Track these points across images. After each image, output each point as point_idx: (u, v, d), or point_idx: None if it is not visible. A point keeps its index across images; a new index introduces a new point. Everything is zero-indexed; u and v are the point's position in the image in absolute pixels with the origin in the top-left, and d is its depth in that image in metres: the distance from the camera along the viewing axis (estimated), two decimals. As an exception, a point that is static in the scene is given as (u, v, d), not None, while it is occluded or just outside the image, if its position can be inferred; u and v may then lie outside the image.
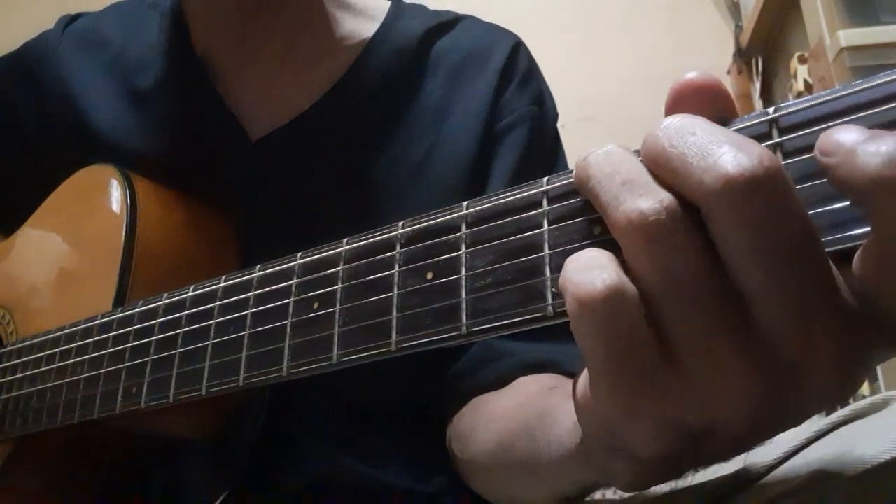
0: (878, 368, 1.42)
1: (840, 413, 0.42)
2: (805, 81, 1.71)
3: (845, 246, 0.25)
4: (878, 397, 0.42)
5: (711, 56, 2.18)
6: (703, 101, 0.31)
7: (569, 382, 0.34)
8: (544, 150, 0.78)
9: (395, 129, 0.75)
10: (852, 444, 0.36)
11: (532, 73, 0.80)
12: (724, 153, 0.26)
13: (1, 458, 0.63)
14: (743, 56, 2.13)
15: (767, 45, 2.07)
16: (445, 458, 0.69)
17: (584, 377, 0.32)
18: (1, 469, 0.62)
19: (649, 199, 0.28)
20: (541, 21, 2.11)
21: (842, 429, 0.41)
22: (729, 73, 2.17)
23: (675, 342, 0.28)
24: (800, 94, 1.72)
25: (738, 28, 2.16)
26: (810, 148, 0.26)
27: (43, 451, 0.64)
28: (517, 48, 0.80)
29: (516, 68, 0.78)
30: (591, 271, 0.28)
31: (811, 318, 0.26)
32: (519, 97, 0.77)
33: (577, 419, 0.33)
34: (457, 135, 0.74)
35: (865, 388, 1.45)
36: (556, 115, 0.81)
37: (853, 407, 0.42)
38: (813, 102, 0.27)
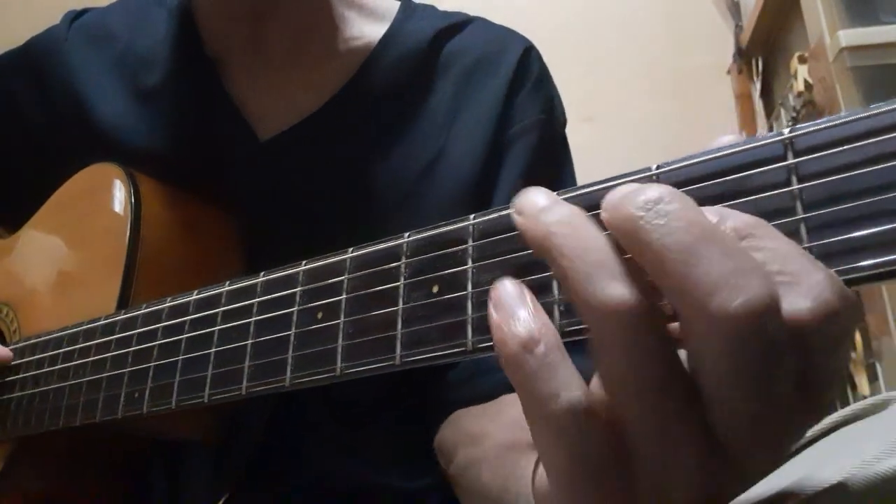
0: (878, 368, 1.42)
1: (840, 413, 0.42)
2: (805, 81, 1.71)
3: (858, 275, 0.25)
4: (878, 398, 0.42)
5: (711, 56, 2.18)
6: None
7: None
8: (551, 160, 0.77)
9: (403, 131, 0.75)
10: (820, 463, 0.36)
11: (543, 79, 0.79)
12: (725, 287, 0.24)
13: (1, 458, 0.63)
14: (743, 56, 2.13)
15: (767, 45, 2.07)
16: (433, 457, 0.69)
17: (542, 474, 0.31)
18: (1, 469, 0.62)
19: (627, 286, 0.26)
20: (541, 21, 2.10)
21: (842, 429, 0.41)
22: (729, 72, 2.17)
23: (633, 441, 0.27)
24: (800, 94, 1.72)
25: (739, 28, 2.16)
26: (826, 172, 0.26)
27: (44, 452, 0.64)
28: (528, 53, 0.79)
29: (528, 74, 0.78)
30: (554, 383, 0.27)
31: (769, 425, 0.26)
32: (530, 104, 0.76)
33: None
34: (466, 139, 0.74)
35: (866, 388, 1.46)
36: (564, 122, 0.80)
37: (853, 407, 0.42)
38: (829, 125, 0.27)
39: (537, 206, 0.29)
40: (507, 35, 0.82)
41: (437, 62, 0.78)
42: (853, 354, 1.49)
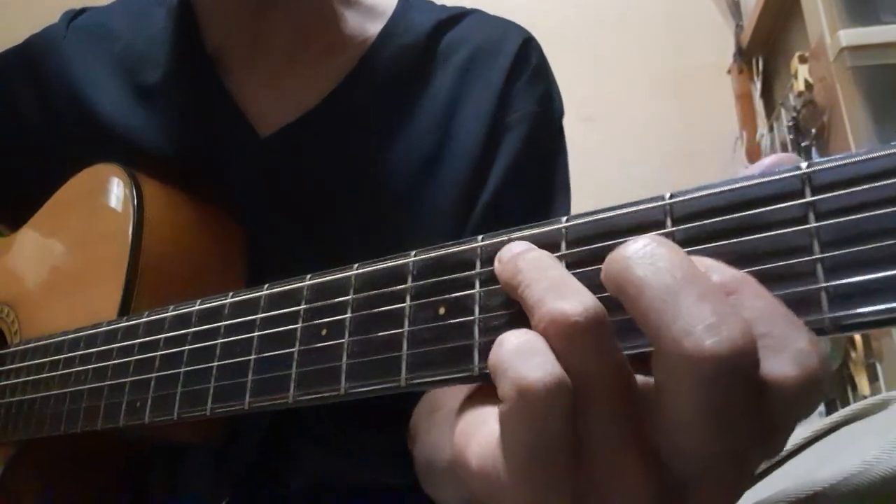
0: (878, 368, 1.42)
1: (840, 413, 0.42)
2: (806, 81, 1.71)
3: (874, 319, 0.25)
4: (878, 398, 0.42)
5: (711, 56, 2.18)
6: None
7: None
8: (543, 152, 0.77)
9: (404, 124, 0.74)
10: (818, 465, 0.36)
11: (541, 70, 0.79)
12: (699, 327, 0.25)
13: (2, 461, 0.63)
14: (743, 56, 2.13)
15: (768, 45, 2.07)
16: None
17: (482, 448, 0.31)
18: (2, 473, 0.62)
19: (573, 301, 0.28)
20: (540, 20, 2.10)
21: (842, 429, 0.41)
22: (729, 72, 2.16)
23: (585, 441, 0.28)
24: (800, 94, 1.72)
25: (739, 27, 2.15)
26: (845, 210, 0.26)
27: (44, 456, 0.63)
28: (527, 43, 0.79)
29: (526, 64, 0.77)
30: (531, 357, 0.28)
31: (725, 464, 0.27)
32: (526, 95, 0.76)
33: (466, 484, 0.32)
34: (466, 131, 0.73)
35: (866, 389, 1.46)
36: (561, 113, 0.80)
37: (853, 407, 0.42)
38: (849, 161, 0.26)
39: (513, 251, 0.33)
40: (506, 26, 0.81)
41: (437, 54, 0.78)
42: (853, 354, 1.49)
